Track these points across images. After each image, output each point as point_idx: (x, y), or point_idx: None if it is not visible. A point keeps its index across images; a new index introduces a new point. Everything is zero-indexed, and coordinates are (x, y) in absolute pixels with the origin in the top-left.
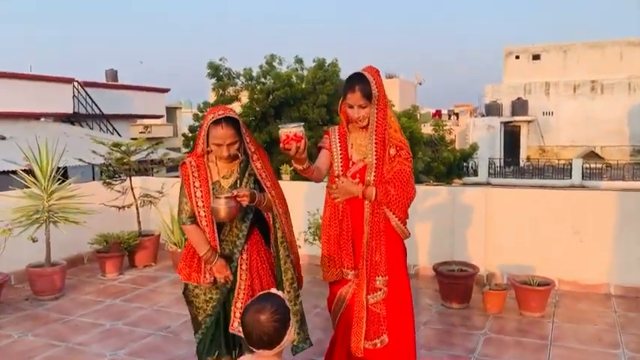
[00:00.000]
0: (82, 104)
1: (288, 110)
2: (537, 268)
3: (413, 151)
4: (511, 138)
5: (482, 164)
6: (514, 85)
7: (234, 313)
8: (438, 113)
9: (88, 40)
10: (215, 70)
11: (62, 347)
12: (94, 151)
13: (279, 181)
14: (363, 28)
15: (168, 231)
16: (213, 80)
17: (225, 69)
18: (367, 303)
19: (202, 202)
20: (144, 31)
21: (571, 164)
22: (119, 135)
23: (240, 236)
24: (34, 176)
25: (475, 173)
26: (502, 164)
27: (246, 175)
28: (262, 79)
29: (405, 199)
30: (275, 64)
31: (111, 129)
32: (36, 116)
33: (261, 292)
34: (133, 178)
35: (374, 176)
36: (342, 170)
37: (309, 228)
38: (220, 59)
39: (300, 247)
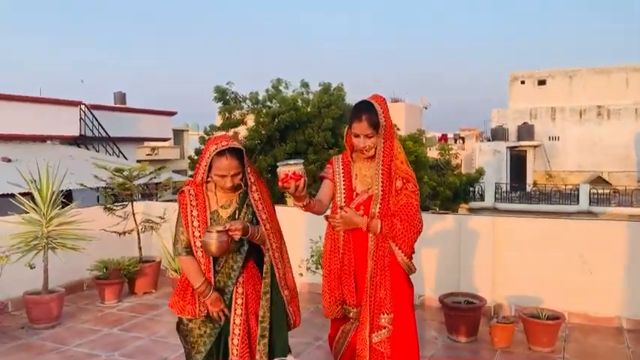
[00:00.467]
0: (89, 127)
1: (293, 134)
2: (546, 299)
3: (418, 175)
4: (517, 163)
5: (488, 189)
6: (520, 109)
7: (232, 350)
8: (444, 137)
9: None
10: (222, 94)
11: None
12: (95, 176)
13: (281, 207)
14: (368, 52)
15: (169, 257)
16: (220, 104)
17: (232, 93)
18: (371, 342)
19: (199, 232)
20: (152, 55)
21: (578, 189)
22: (125, 157)
23: (234, 267)
24: (34, 201)
25: (482, 198)
26: (509, 189)
27: (245, 205)
28: (268, 103)
29: (411, 233)
30: (281, 87)
31: (117, 151)
32: (43, 139)
33: None
34: (135, 203)
35: (379, 208)
36: (345, 201)
37: (312, 256)
38: (227, 83)
39: (302, 275)
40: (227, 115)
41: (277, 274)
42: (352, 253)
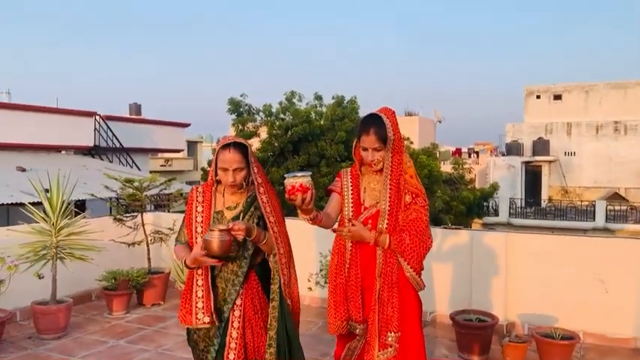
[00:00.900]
0: (103, 137)
1: (306, 146)
2: (560, 318)
3: (432, 189)
4: (532, 178)
5: (502, 204)
6: (535, 124)
7: None
8: (458, 151)
9: (115, 75)
10: (235, 106)
11: None
12: (106, 186)
13: (292, 219)
14: (383, 65)
15: (178, 269)
16: (234, 116)
17: (246, 105)
18: None
19: (202, 227)
20: (167, 67)
21: (594, 206)
22: (138, 168)
23: (238, 273)
24: (45, 210)
25: (496, 213)
26: (523, 204)
27: (251, 209)
28: (281, 115)
29: (420, 248)
30: (294, 100)
31: (130, 162)
32: (57, 148)
33: None
34: (144, 214)
35: (387, 224)
36: (353, 215)
37: (321, 270)
38: (241, 95)
39: (310, 289)
40: (240, 126)
41: (282, 280)
42: (359, 268)
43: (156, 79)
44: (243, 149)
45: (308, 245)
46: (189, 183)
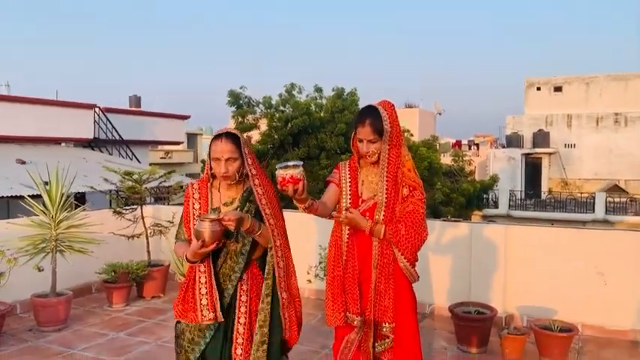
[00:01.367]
0: (103, 130)
1: (306, 138)
2: (559, 310)
3: (431, 181)
4: (532, 170)
5: (502, 196)
6: (535, 116)
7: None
8: (458, 143)
9: (115, 67)
10: (235, 98)
11: None
12: (105, 179)
13: (292, 211)
14: (383, 56)
15: (178, 262)
16: (233, 108)
17: (245, 97)
18: (374, 351)
19: None
20: (166, 59)
21: (594, 198)
22: (138, 160)
23: (235, 269)
24: (44, 203)
25: (495, 205)
26: (523, 196)
27: (248, 203)
28: (281, 108)
29: (415, 240)
30: (294, 92)
31: (130, 154)
32: (57, 141)
33: None
34: (144, 206)
35: (383, 216)
36: (350, 207)
37: (320, 263)
38: (241, 87)
39: (310, 281)
40: (240, 119)
41: (277, 274)
42: (356, 260)
43: (155, 72)
44: (235, 139)
45: (308, 237)
46: (189, 175)
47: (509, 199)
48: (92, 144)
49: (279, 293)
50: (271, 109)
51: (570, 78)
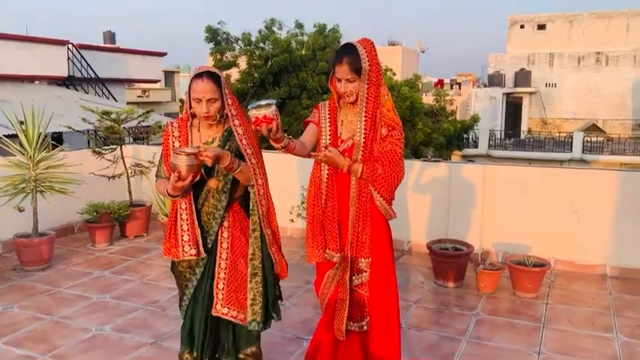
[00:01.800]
0: (77, 67)
1: (287, 77)
2: (533, 247)
3: (413, 122)
4: (513, 109)
5: (482, 136)
6: (518, 55)
7: (217, 294)
8: (440, 82)
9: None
10: (213, 34)
11: (47, 320)
12: (84, 119)
13: (272, 153)
14: None
15: (160, 202)
16: (212, 45)
17: (224, 33)
18: (351, 285)
19: None
20: None
21: (572, 137)
22: (115, 99)
23: (218, 207)
24: (21, 143)
25: (475, 145)
26: (503, 136)
27: (228, 142)
28: (261, 45)
29: (392, 179)
30: (275, 28)
31: (107, 93)
32: (30, 79)
33: None
34: (124, 146)
35: (361, 156)
36: None
37: (302, 203)
38: (219, 23)
39: (292, 221)
40: (218, 56)
41: (260, 211)
42: (335, 199)
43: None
44: (216, 79)
45: (290, 178)
46: (168, 115)
47: (489, 139)
48: (67, 82)
49: (264, 229)
50: (251, 46)
51: (554, 15)
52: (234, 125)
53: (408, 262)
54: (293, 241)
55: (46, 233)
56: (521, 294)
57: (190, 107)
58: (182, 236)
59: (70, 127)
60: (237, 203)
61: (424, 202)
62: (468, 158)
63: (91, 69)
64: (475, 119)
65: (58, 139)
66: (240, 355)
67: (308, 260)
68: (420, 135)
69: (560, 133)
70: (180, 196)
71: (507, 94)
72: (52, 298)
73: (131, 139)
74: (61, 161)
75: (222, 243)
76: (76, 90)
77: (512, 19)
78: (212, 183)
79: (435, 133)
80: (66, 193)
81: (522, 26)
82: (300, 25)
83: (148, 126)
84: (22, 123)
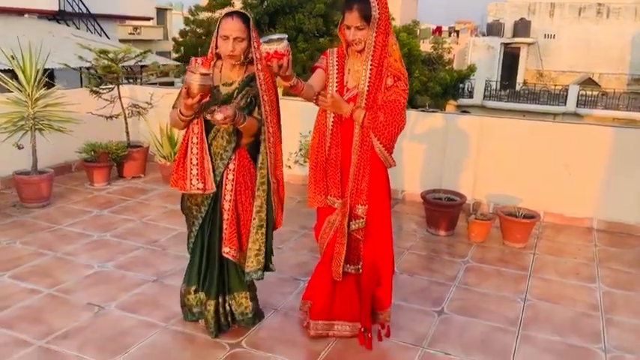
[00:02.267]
0: (68, 2)
1: (283, 19)
2: (524, 199)
3: (410, 69)
4: (510, 60)
5: (478, 86)
6: (518, 3)
7: (224, 235)
8: (439, 30)
9: None
10: None
11: (50, 256)
12: (80, 57)
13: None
14: None
15: (158, 143)
16: None
17: None
18: (348, 229)
19: None
20: None
21: (567, 90)
22: (107, 36)
23: (227, 149)
24: (18, 80)
25: (470, 95)
26: (498, 87)
27: (247, 88)
28: None
29: (393, 127)
30: None
31: (98, 29)
32: (19, 12)
33: None
34: (121, 86)
35: (365, 104)
36: None
37: (300, 150)
38: None
39: (289, 167)
40: None
41: (269, 160)
42: (339, 147)
43: None
44: (245, 20)
45: (289, 126)
46: (160, 54)
47: (485, 90)
48: (57, 17)
49: (270, 178)
50: None
51: None
52: (258, 69)
53: (402, 210)
54: (290, 187)
55: (45, 171)
56: (510, 244)
57: (216, 47)
58: (191, 170)
59: (66, 65)
60: (245, 150)
61: (419, 152)
62: (462, 108)
63: (83, 3)
64: (472, 69)
65: (49, 77)
66: (235, 295)
67: (309, 205)
68: (417, 83)
69: (555, 85)
70: (193, 118)
71: (505, 44)
72: (54, 235)
73: (124, 79)
74: (59, 100)
75: (226, 185)
76: (67, 25)
77: None
78: (219, 116)
79: (431, 82)
80: (64, 132)
81: None
82: None
83: (143, 66)
84: (13, 58)
